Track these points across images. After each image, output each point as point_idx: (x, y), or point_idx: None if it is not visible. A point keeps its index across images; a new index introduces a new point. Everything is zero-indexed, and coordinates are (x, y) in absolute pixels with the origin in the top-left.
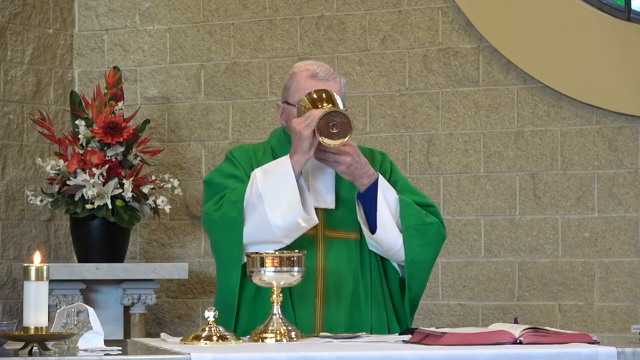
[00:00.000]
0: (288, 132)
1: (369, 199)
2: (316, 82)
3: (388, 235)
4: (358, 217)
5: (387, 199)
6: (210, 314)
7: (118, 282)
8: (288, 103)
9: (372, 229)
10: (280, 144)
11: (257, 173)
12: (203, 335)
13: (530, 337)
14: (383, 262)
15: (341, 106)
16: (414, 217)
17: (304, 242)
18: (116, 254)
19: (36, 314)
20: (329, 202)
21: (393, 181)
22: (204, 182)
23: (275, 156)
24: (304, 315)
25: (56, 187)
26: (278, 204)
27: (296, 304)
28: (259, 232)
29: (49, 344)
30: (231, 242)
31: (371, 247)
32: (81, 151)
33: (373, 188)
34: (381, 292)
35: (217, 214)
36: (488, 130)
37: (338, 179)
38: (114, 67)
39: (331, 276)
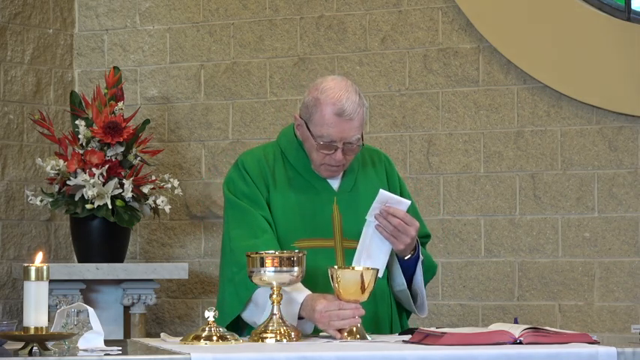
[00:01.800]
0: (299, 139)
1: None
2: (341, 122)
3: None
4: (399, 289)
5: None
6: (210, 314)
7: (118, 282)
8: (309, 128)
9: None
10: (290, 146)
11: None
12: (203, 335)
13: (530, 337)
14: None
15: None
16: (431, 273)
17: (323, 255)
18: (116, 254)
19: (36, 314)
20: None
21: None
22: (225, 197)
23: (286, 160)
24: None
25: (56, 187)
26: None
27: None
28: (251, 320)
29: (49, 344)
30: (235, 303)
31: (397, 292)
32: (81, 151)
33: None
34: (389, 296)
35: (238, 277)
36: (489, 130)
37: (356, 190)
38: (114, 67)
39: None
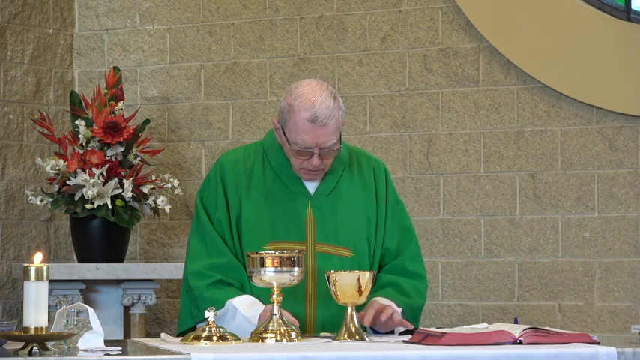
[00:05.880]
0: (278, 141)
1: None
2: (313, 127)
3: None
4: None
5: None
6: (210, 314)
7: (118, 282)
8: (285, 134)
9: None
10: (272, 147)
11: (230, 308)
12: (203, 335)
13: (530, 337)
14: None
15: None
16: (417, 319)
17: None
18: (116, 254)
19: (36, 314)
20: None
21: (393, 209)
22: (196, 204)
23: (266, 160)
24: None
25: (56, 187)
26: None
27: (286, 305)
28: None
29: (49, 344)
30: (188, 317)
31: None
32: (81, 151)
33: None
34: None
35: (190, 295)
36: (488, 130)
37: (336, 193)
38: (114, 67)
39: (322, 277)
